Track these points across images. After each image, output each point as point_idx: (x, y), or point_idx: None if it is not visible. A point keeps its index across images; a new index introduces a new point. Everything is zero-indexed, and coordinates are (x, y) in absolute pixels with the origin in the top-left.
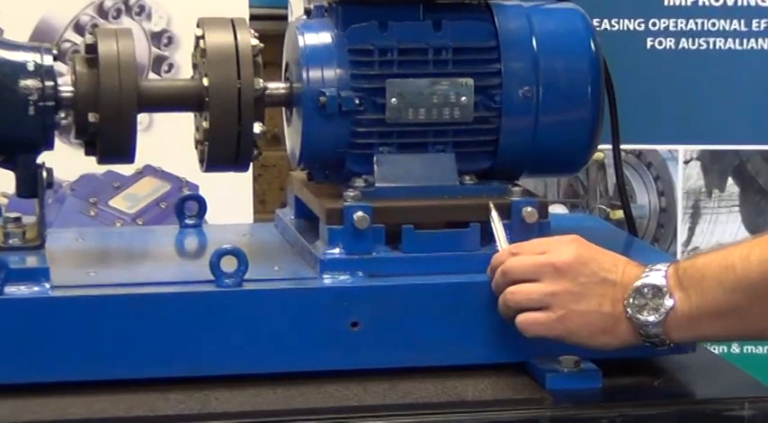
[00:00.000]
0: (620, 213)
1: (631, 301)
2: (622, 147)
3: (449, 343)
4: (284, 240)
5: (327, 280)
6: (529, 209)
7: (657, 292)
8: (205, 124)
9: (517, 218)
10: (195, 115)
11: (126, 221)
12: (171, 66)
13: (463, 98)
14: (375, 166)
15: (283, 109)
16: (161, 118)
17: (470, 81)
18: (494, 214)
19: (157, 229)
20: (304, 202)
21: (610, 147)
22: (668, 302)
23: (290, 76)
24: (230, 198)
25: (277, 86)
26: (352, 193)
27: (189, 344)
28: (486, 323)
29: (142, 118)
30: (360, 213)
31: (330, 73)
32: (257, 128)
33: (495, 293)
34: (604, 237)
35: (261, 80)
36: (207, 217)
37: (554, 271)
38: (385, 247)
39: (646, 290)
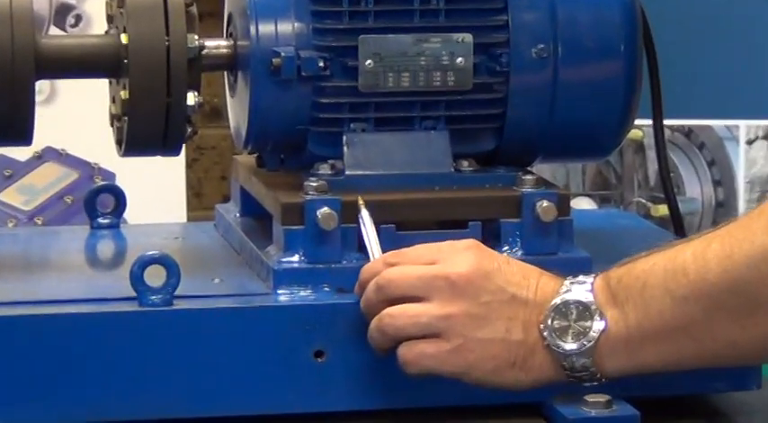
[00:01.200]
0: (664, 209)
1: (549, 323)
2: (667, 123)
3: (441, 378)
4: (227, 245)
5: (283, 296)
6: (545, 204)
7: (583, 310)
8: (123, 94)
9: (530, 216)
10: (111, 82)
11: (21, 220)
12: (78, 18)
13: (459, 59)
14: (345, 149)
15: (225, 74)
16: (66, 86)
17: (468, 37)
18: (363, 213)
19: (62, 231)
20: (252, 196)
21: (650, 123)
22: (598, 324)
23: (233, 31)
24: (157, 190)
25: (217, 45)
26: (315, 184)
27: (102, 379)
28: None
29: (41, 86)
30: (325, 210)
31: (286, 27)
32: (191, 98)
33: (366, 315)
34: (643, 240)
35: (196, 37)
36: (126, 215)
37: (448, 286)
38: (358, 254)
39: (568, 308)
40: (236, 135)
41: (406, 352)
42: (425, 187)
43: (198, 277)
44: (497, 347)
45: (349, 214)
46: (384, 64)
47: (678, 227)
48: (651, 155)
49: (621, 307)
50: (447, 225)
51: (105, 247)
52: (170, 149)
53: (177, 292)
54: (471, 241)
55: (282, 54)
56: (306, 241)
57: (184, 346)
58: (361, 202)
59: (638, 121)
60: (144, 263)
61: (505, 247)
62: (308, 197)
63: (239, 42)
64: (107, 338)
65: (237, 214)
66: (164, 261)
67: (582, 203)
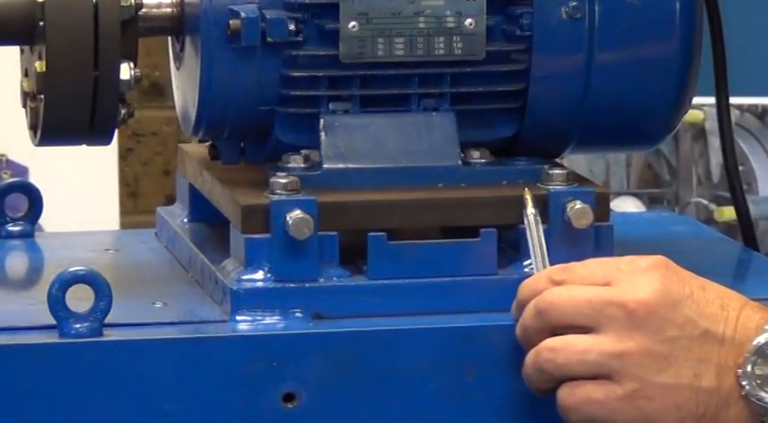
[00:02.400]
0: (730, 212)
1: (749, 369)
2: (734, 101)
3: None
4: (172, 258)
5: (244, 324)
6: (578, 205)
7: None
8: (39, 66)
9: (558, 219)
10: (22, 51)
11: None
12: None
13: (468, 21)
14: (322, 135)
15: (170, 40)
16: None
17: None
18: (529, 211)
19: None
20: (204, 196)
21: (713, 102)
22: None
23: None
24: (82, 188)
25: (158, 3)
26: (283, 180)
27: None
28: (505, 394)
29: None
30: (297, 213)
31: None
32: (126, 71)
33: (523, 344)
34: (704, 251)
35: None
36: (42, 220)
37: (624, 316)
38: (339, 270)
39: None
40: (182, 118)
41: (568, 396)
42: (426, 185)
43: (134, 300)
44: (683, 396)
45: (328, 219)
46: (372, 27)
47: (748, 234)
48: (715, 143)
49: None
50: (453, 233)
51: (16, 262)
52: (98, 136)
53: (108, 320)
54: (659, 258)
55: (242, 14)
56: (273, 254)
57: (116, 387)
58: (527, 195)
59: (698, 100)
60: (65, 282)
61: (527, 262)
62: (276, 197)
63: (187, 0)
64: (20, 376)
65: (185, 219)
66: (91, 280)
67: (626, 205)
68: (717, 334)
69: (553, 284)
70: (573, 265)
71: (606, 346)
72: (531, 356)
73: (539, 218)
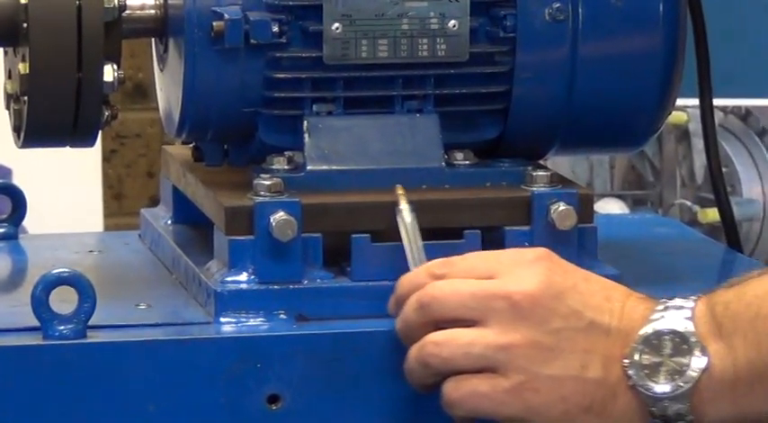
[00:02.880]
0: (713, 213)
1: (637, 358)
2: (718, 102)
3: None
4: (155, 260)
5: (228, 326)
6: (561, 207)
7: (680, 343)
8: (23, 67)
9: (542, 221)
10: (6, 53)
11: None
12: None
13: (452, 23)
14: (305, 137)
15: (153, 41)
16: None
17: None
18: (403, 205)
19: None
20: (188, 198)
21: (697, 103)
22: (698, 361)
23: None
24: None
25: (142, 4)
26: (267, 182)
27: None
28: None
29: None
30: (281, 215)
31: None
32: (109, 73)
33: (404, 340)
34: (687, 253)
35: None
36: (26, 222)
37: (509, 308)
38: (323, 272)
39: (660, 340)
40: (166, 120)
41: (453, 390)
42: (409, 186)
43: (118, 302)
44: (569, 387)
45: (311, 220)
46: (355, 28)
47: (732, 236)
48: (698, 144)
49: (728, 340)
50: (437, 234)
51: (0, 264)
52: (82, 138)
53: (92, 321)
54: (541, 250)
55: (226, 16)
56: (256, 255)
57: (100, 389)
58: (400, 191)
59: (681, 102)
60: (49, 284)
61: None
62: (259, 199)
63: (171, 1)
64: (3, 378)
65: (169, 221)
66: (75, 282)
67: (610, 206)
68: (602, 325)
69: (434, 279)
70: (454, 258)
71: (491, 339)
72: (414, 351)
73: (413, 213)
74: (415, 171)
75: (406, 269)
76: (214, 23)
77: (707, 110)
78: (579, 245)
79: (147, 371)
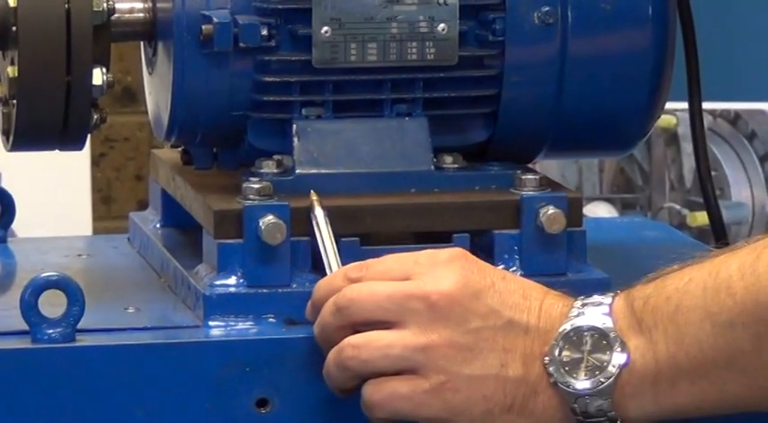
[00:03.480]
0: (703, 217)
1: (556, 355)
2: (707, 106)
3: None
4: (144, 264)
5: (217, 330)
6: (551, 211)
7: (599, 339)
8: (11, 71)
9: (531, 226)
10: None
11: None
12: None
13: (441, 26)
14: (294, 141)
15: (142, 45)
16: None
17: None
18: (318, 211)
19: None
20: (177, 201)
21: (686, 107)
22: (618, 356)
23: None
24: (55, 194)
25: (131, 8)
26: (256, 186)
27: None
28: None
29: None
30: (270, 218)
31: None
32: (98, 77)
33: (321, 344)
34: (677, 257)
35: None
36: (15, 225)
37: (426, 309)
38: (312, 276)
39: (580, 337)
40: (155, 123)
41: (373, 392)
42: (398, 190)
43: (107, 305)
44: (490, 386)
45: (301, 224)
46: (345, 32)
47: (721, 239)
48: (687, 148)
49: (648, 335)
50: (426, 238)
51: None
52: (71, 142)
53: (81, 325)
54: (456, 250)
55: (215, 20)
56: (245, 259)
57: (89, 393)
58: (314, 197)
59: (670, 105)
60: (38, 288)
61: (500, 266)
62: (248, 203)
63: (160, 4)
64: None
65: (158, 225)
66: (63, 285)
67: (599, 210)
68: (521, 323)
69: (350, 282)
70: (369, 261)
71: (410, 340)
72: (332, 354)
73: (327, 218)
74: (404, 175)
75: None
76: (203, 27)
77: (696, 113)
78: (568, 248)
79: (136, 375)
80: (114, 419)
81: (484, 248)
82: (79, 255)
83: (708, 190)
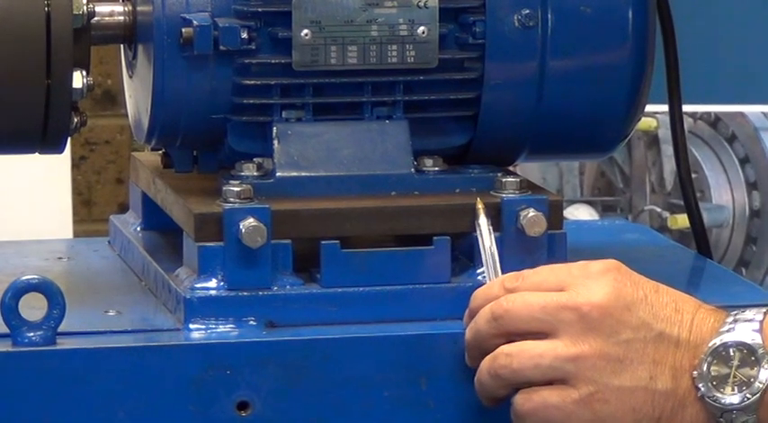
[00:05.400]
0: (683, 219)
1: (705, 370)
2: (687, 109)
3: None
4: (125, 267)
5: (197, 333)
6: (531, 213)
7: (748, 355)
8: None
9: (511, 227)
10: None
11: None
12: None
13: (421, 29)
14: (275, 143)
15: (122, 48)
16: None
17: (433, 0)
18: (482, 220)
19: None
20: (157, 204)
21: (666, 110)
22: (765, 373)
23: None
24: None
25: (111, 11)
26: (237, 188)
27: None
28: (458, 403)
29: None
30: (250, 221)
31: None
32: (78, 80)
33: (472, 350)
34: (658, 259)
35: (84, 0)
36: None
37: (578, 320)
38: (293, 278)
39: (730, 352)
40: (135, 126)
41: (524, 401)
42: (379, 193)
43: (88, 309)
44: (639, 398)
45: (281, 227)
46: (325, 35)
47: (702, 242)
48: (668, 150)
49: None
50: (406, 241)
51: None
52: (51, 145)
53: (61, 328)
54: (610, 262)
55: (195, 23)
56: (226, 262)
57: (70, 396)
58: (480, 205)
59: (651, 108)
60: (18, 291)
61: (480, 270)
62: (229, 206)
63: (140, 8)
64: None
65: (138, 228)
66: (44, 288)
67: (579, 212)
68: (672, 336)
69: (506, 292)
70: (525, 272)
71: (561, 351)
72: (486, 362)
73: (491, 227)
74: (385, 177)
75: (376, 274)
76: (183, 30)
77: (676, 116)
78: (549, 251)
79: (117, 377)
80: (93, 421)
81: (464, 251)
82: (60, 258)
83: (688, 193)
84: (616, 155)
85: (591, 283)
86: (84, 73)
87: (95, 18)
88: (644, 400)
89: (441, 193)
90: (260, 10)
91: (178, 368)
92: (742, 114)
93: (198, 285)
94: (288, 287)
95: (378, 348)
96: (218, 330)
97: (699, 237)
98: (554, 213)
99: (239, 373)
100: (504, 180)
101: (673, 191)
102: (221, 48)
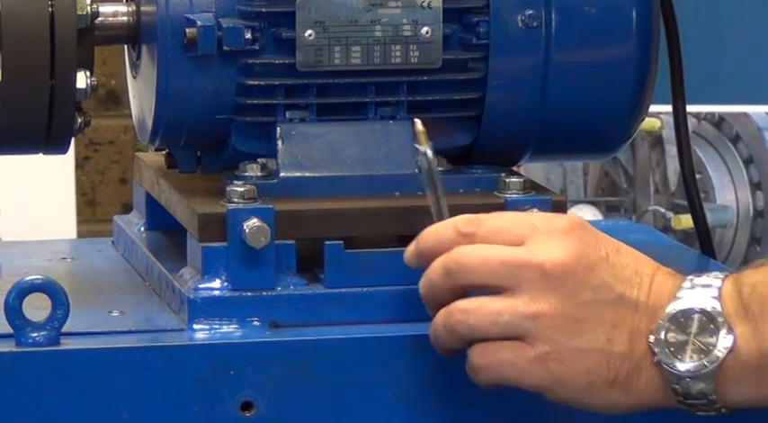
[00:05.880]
0: (687, 220)
1: (662, 335)
2: (691, 109)
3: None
4: (129, 267)
5: (201, 333)
6: (535, 212)
7: (707, 322)
8: None
9: None
10: None
11: None
12: None
13: (425, 29)
14: (279, 144)
15: (126, 48)
16: None
17: (437, 1)
18: (421, 148)
19: None
20: (161, 204)
21: (670, 110)
22: (724, 340)
23: None
24: (38, 197)
25: (115, 11)
26: (240, 189)
27: None
28: (461, 402)
29: None
30: (254, 222)
31: None
32: (82, 80)
33: (427, 302)
34: (660, 259)
35: (88, 0)
36: None
37: (540, 278)
38: (297, 279)
39: (687, 318)
40: (139, 126)
41: (479, 356)
42: (382, 193)
43: (92, 309)
44: (594, 360)
45: (285, 227)
46: (328, 35)
47: (705, 243)
48: (672, 151)
49: (754, 322)
50: (410, 241)
51: None
52: (55, 145)
53: (65, 328)
54: (575, 219)
55: (199, 23)
56: (230, 262)
57: (74, 396)
58: (420, 128)
59: (654, 108)
60: (22, 291)
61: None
62: (232, 206)
63: (143, 8)
64: None
65: (142, 228)
66: (48, 288)
67: (583, 213)
68: (631, 299)
69: (460, 236)
70: (482, 217)
71: (520, 308)
72: (441, 316)
73: (434, 157)
74: (388, 178)
75: (380, 275)
76: (187, 30)
77: (680, 116)
78: None
79: (121, 378)
80: (97, 421)
81: None
82: (63, 258)
83: (692, 193)
84: (620, 155)
85: (555, 240)
86: (88, 73)
87: (99, 18)
88: (599, 362)
89: (444, 194)
90: (264, 10)
91: (182, 368)
92: (746, 115)
93: (202, 286)
94: (291, 287)
95: (381, 349)
96: (222, 331)
97: (702, 237)
98: (557, 212)
99: (243, 374)
100: (507, 180)
101: (676, 191)
102: (225, 48)
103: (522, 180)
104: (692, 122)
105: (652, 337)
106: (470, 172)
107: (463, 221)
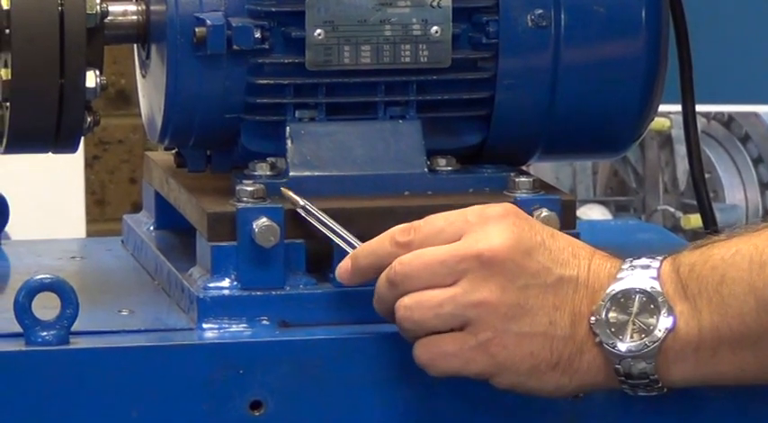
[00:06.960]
0: (696, 219)
1: (603, 316)
2: (701, 109)
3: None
4: (138, 266)
5: (210, 332)
6: (544, 213)
7: (647, 303)
8: (5, 73)
9: None
10: None
11: None
12: None
13: (434, 29)
14: (288, 143)
15: (136, 48)
16: None
17: (447, 0)
18: (302, 203)
19: None
20: (170, 204)
21: (679, 109)
22: (664, 321)
23: None
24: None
25: (125, 10)
26: (250, 188)
27: None
28: (472, 399)
29: None
30: (263, 221)
31: None
32: (92, 79)
33: (383, 315)
34: None
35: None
36: (9, 228)
37: (478, 266)
38: (306, 278)
39: (628, 299)
40: (148, 126)
41: (422, 352)
42: (392, 193)
43: (101, 308)
44: (537, 343)
45: (294, 226)
46: (338, 34)
47: None
48: (681, 150)
49: (693, 302)
50: None
51: None
52: (64, 144)
53: (74, 327)
54: (507, 206)
55: (208, 22)
56: (239, 261)
57: (83, 395)
58: (288, 193)
59: (664, 108)
60: (32, 290)
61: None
62: (242, 205)
63: (153, 7)
64: None
65: (151, 227)
66: (57, 288)
67: (592, 212)
68: (571, 280)
69: (399, 247)
70: (416, 223)
71: (460, 298)
72: (396, 317)
73: (311, 205)
74: (398, 177)
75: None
76: (196, 29)
77: (690, 116)
78: None
79: (130, 377)
80: (108, 422)
81: None
82: (73, 257)
83: (702, 192)
84: (629, 155)
85: (490, 228)
86: (98, 72)
87: (109, 17)
88: (542, 346)
89: (454, 193)
90: (273, 9)
91: (191, 368)
92: (756, 114)
93: (211, 285)
94: (301, 287)
95: (390, 348)
96: (231, 330)
97: (712, 236)
98: (567, 213)
99: (252, 373)
100: (517, 180)
101: (686, 191)
102: (234, 47)
103: (531, 179)
104: (701, 122)
105: (593, 318)
106: (480, 171)
107: (399, 231)
